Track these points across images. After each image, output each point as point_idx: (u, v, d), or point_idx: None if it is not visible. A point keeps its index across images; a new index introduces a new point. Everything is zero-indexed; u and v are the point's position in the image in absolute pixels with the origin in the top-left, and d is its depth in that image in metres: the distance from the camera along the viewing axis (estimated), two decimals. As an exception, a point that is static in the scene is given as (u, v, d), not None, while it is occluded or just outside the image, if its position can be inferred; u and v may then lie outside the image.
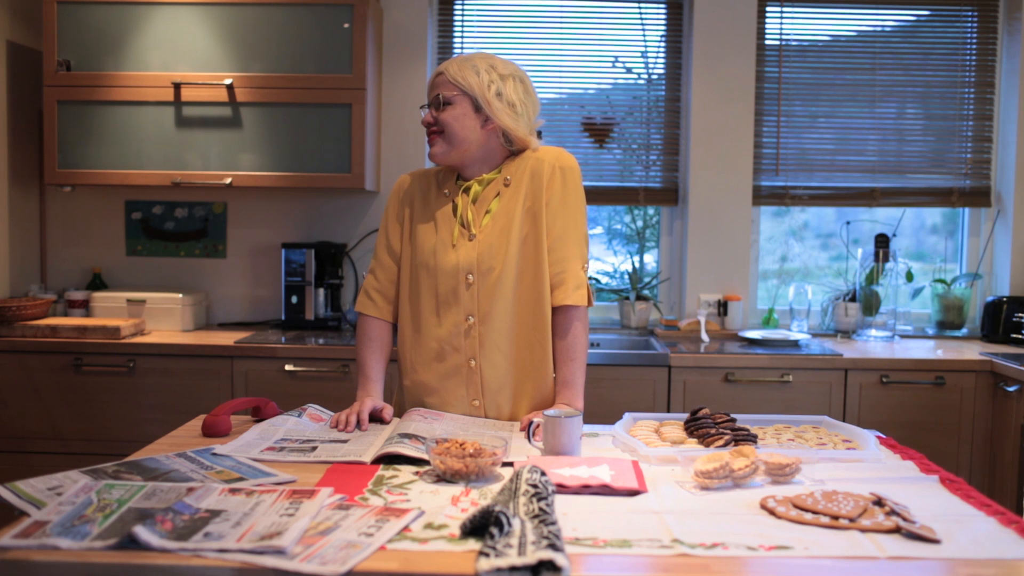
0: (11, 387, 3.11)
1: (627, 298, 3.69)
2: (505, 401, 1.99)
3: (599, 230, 4.01)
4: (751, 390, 3.09)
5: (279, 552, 1.15)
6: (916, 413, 3.08)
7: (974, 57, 3.72)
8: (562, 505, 1.39)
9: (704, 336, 3.46)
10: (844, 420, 3.04)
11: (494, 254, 1.97)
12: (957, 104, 3.74)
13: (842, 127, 3.77)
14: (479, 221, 2.00)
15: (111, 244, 3.71)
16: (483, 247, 1.98)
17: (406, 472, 1.58)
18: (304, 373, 3.10)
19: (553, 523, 1.22)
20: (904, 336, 3.63)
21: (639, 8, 3.76)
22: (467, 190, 2.02)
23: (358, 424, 1.88)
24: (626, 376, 3.08)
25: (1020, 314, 3.44)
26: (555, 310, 2.00)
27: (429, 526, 1.29)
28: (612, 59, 3.79)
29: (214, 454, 1.66)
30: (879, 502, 1.38)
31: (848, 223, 3.81)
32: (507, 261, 1.96)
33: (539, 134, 2.10)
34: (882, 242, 3.61)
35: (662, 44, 3.77)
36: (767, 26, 3.72)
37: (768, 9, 3.72)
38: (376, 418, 1.95)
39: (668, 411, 3.09)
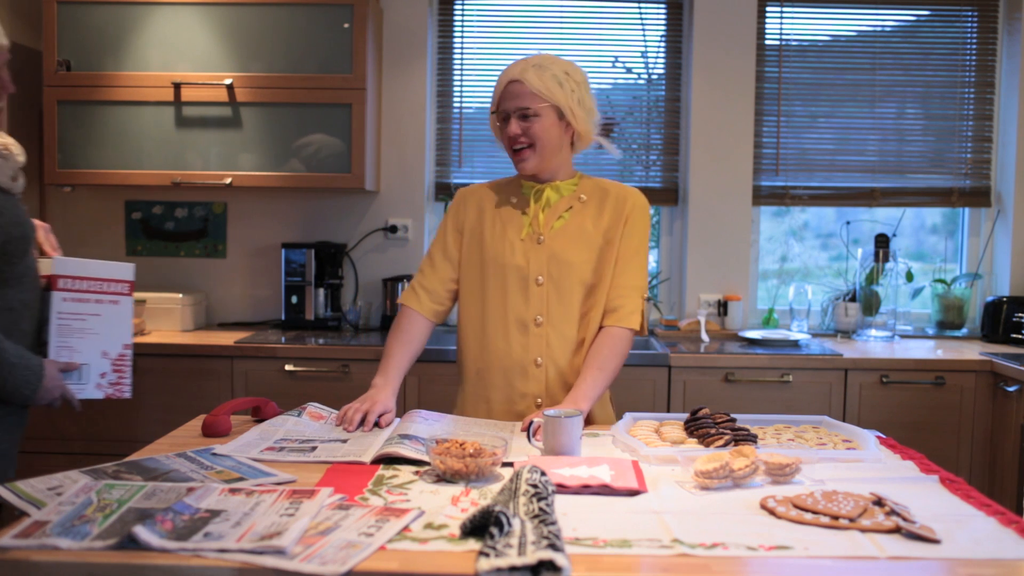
0: (11, 387, 3.11)
1: (627, 298, 3.69)
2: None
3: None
4: (751, 390, 3.09)
5: (279, 552, 1.15)
6: (916, 413, 3.08)
7: (974, 57, 3.72)
8: (562, 505, 1.39)
9: (704, 336, 3.46)
10: (844, 420, 3.04)
11: (564, 259, 2.03)
12: (957, 104, 3.74)
13: (842, 127, 3.77)
14: (550, 225, 2.06)
15: (111, 244, 3.71)
16: (554, 251, 2.04)
17: (406, 472, 1.58)
18: (304, 373, 3.10)
19: (553, 523, 1.22)
20: (904, 336, 3.63)
21: (639, 8, 3.76)
22: (537, 195, 2.08)
23: (362, 422, 1.89)
24: (626, 376, 3.07)
25: (1020, 314, 3.44)
26: (606, 328, 2.03)
27: (429, 526, 1.29)
28: (612, 59, 3.79)
29: (214, 454, 1.66)
30: (879, 502, 1.38)
31: (848, 223, 3.81)
32: (578, 269, 2.03)
33: (605, 129, 2.15)
34: (882, 242, 3.61)
35: (662, 44, 3.77)
36: (767, 26, 3.72)
37: (768, 9, 3.71)
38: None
39: (668, 411, 3.09)
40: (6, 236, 1.89)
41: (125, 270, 2.06)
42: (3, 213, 1.91)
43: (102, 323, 1.99)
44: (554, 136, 2.01)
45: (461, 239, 2.12)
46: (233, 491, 1.37)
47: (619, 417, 2.04)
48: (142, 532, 1.18)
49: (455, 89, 3.77)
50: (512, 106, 1.99)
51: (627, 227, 2.05)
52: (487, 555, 1.13)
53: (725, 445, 1.70)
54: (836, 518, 1.32)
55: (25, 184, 2.05)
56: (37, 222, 2.08)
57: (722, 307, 3.65)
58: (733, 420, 1.83)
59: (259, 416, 1.99)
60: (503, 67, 3.93)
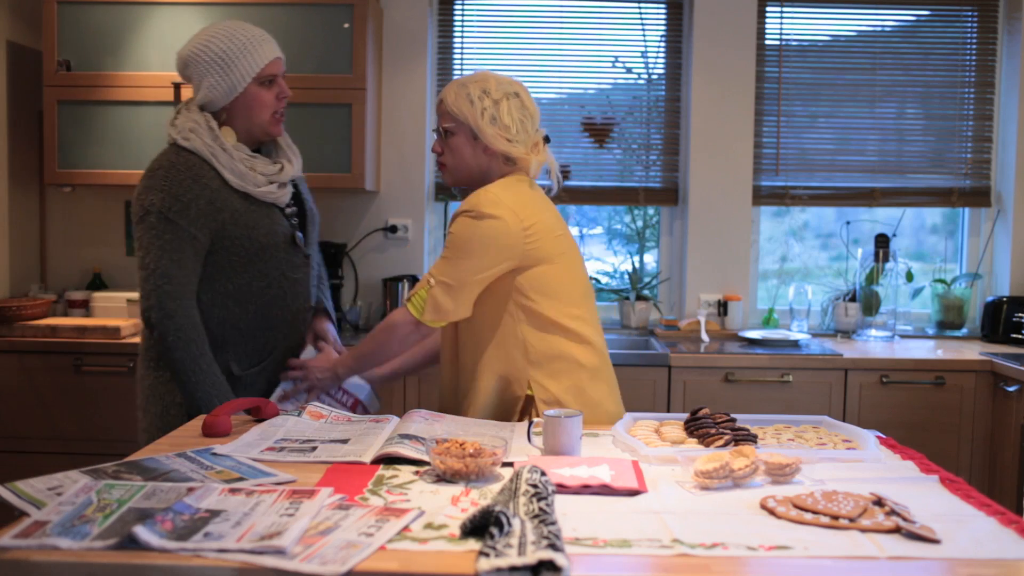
0: (11, 387, 3.11)
1: (627, 298, 3.69)
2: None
3: (599, 230, 4.01)
4: (751, 390, 3.09)
5: (279, 552, 1.15)
6: (916, 413, 3.08)
7: (974, 57, 3.72)
8: (562, 505, 1.39)
9: (704, 336, 3.46)
10: (844, 420, 3.04)
11: None
12: (957, 104, 3.74)
13: (842, 127, 3.77)
14: None
15: (111, 244, 3.71)
16: None
17: (406, 472, 1.58)
18: (304, 373, 3.10)
19: (553, 523, 1.22)
20: (904, 336, 3.63)
21: (639, 8, 3.76)
22: None
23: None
24: (626, 376, 3.07)
25: (1020, 314, 3.44)
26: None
27: (429, 526, 1.29)
28: (612, 59, 3.79)
29: (214, 454, 1.65)
30: (879, 502, 1.38)
31: (848, 223, 3.81)
32: None
33: (547, 138, 2.13)
34: (882, 242, 3.61)
35: (662, 44, 3.77)
36: (767, 26, 3.72)
37: (768, 9, 3.71)
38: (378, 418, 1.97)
39: (668, 411, 3.09)
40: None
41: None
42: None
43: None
44: (466, 154, 2.04)
45: None
46: (233, 491, 1.37)
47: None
48: (142, 532, 1.18)
49: (455, 89, 3.77)
50: (437, 123, 2.09)
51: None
52: (487, 555, 1.13)
53: (725, 445, 1.70)
54: (836, 518, 1.32)
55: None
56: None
57: (722, 307, 3.65)
58: (733, 420, 1.83)
59: (259, 416, 1.98)
60: (503, 67, 3.96)
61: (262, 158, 2.16)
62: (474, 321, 2.02)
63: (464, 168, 2.06)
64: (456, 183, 2.10)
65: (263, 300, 2.16)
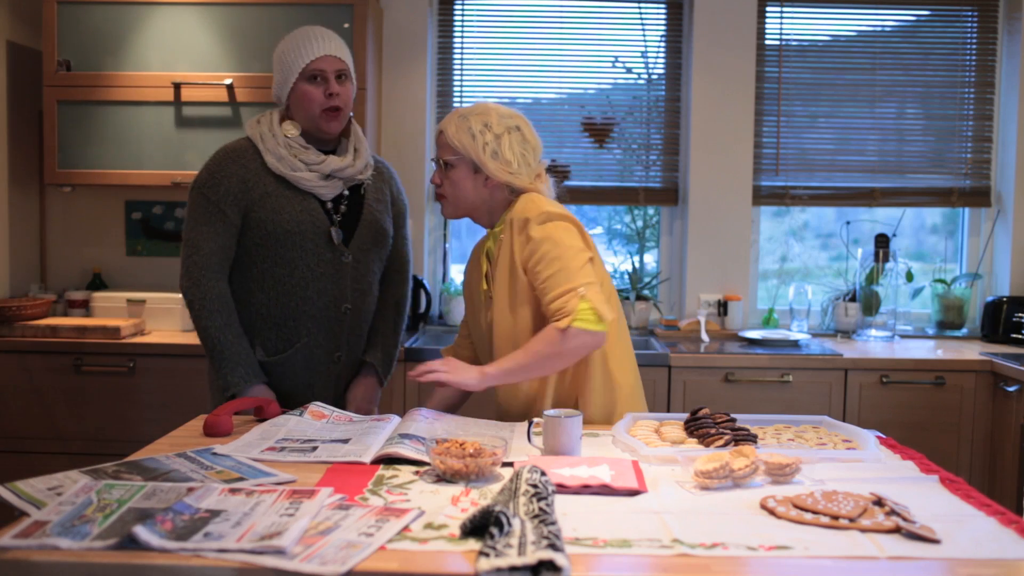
0: (11, 387, 3.11)
1: (627, 298, 3.69)
2: None
3: (599, 230, 4.01)
4: (751, 390, 3.09)
5: (279, 552, 1.15)
6: (916, 413, 3.08)
7: (974, 57, 3.72)
8: (562, 505, 1.39)
9: (704, 336, 3.46)
10: (844, 420, 3.04)
11: (503, 316, 2.02)
12: (957, 104, 3.74)
13: (842, 127, 3.77)
14: (493, 278, 2.06)
15: (111, 244, 3.70)
16: (497, 307, 2.04)
17: (406, 472, 1.58)
18: (304, 373, 3.10)
19: (553, 523, 1.22)
20: (904, 336, 3.63)
21: (639, 8, 3.76)
22: (488, 252, 2.10)
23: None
24: (626, 376, 3.08)
25: (1020, 314, 3.44)
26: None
27: (429, 526, 1.29)
28: (612, 59, 3.79)
29: (214, 454, 1.66)
30: (879, 502, 1.38)
31: (848, 223, 3.81)
32: (511, 317, 2.01)
33: (550, 167, 2.16)
34: (882, 242, 3.61)
35: (662, 44, 3.77)
36: (767, 26, 3.72)
37: (768, 9, 3.71)
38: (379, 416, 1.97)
39: (668, 411, 3.09)
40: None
41: None
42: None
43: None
44: (467, 187, 2.02)
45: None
46: (233, 491, 1.37)
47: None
48: (142, 532, 1.18)
49: (455, 89, 3.77)
50: (435, 155, 2.07)
51: (526, 245, 1.95)
52: (487, 555, 1.13)
53: (725, 445, 1.70)
54: (836, 518, 1.32)
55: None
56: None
57: (722, 307, 3.65)
58: (733, 420, 1.83)
59: (261, 416, 1.99)
60: (503, 67, 3.96)
61: (314, 150, 2.20)
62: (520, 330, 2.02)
63: (464, 200, 2.05)
64: (455, 215, 2.09)
65: (284, 288, 2.19)
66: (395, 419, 1.96)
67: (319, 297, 2.20)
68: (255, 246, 2.18)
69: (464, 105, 3.72)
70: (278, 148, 2.17)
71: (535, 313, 1.98)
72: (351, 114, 2.27)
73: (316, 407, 2.02)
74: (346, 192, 2.25)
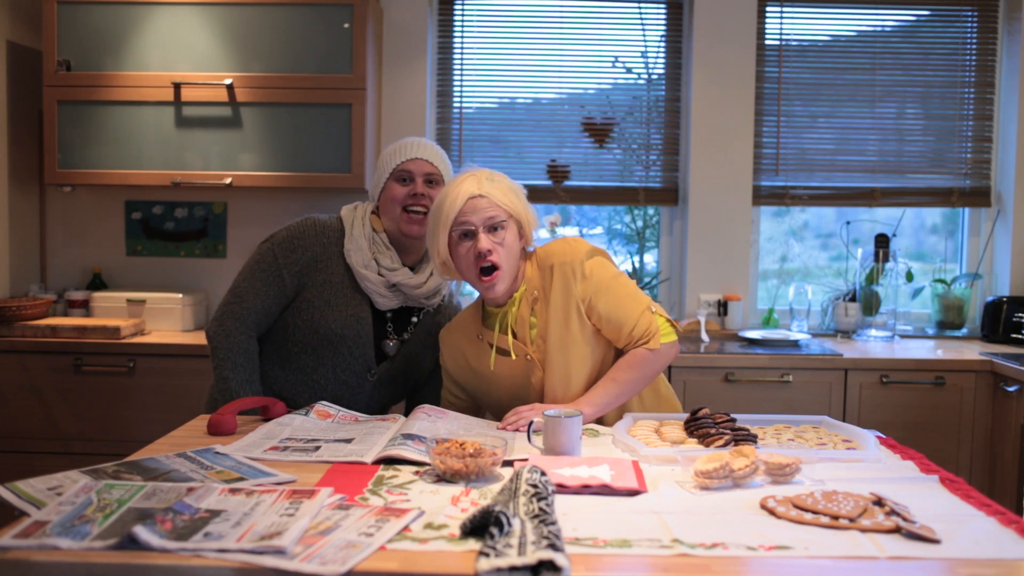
0: (11, 387, 3.11)
1: (627, 298, 3.69)
2: None
3: (599, 230, 4.01)
4: (751, 390, 3.09)
5: (279, 552, 1.15)
6: (916, 413, 3.08)
7: (974, 57, 3.72)
8: (562, 505, 1.39)
9: (704, 336, 3.46)
10: (844, 420, 3.04)
11: (558, 366, 1.96)
12: (957, 104, 3.74)
13: (842, 127, 3.77)
14: (529, 339, 1.97)
15: (111, 244, 3.70)
16: (555, 362, 1.96)
17: (406, 472, 1.58)
18: (304, 373, 3.10)
19: (553, 523, 1.22)
20: (904, 336, 3.63)
21: (639, 8, 3.76)
22: (501, 320, 1.99)
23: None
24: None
25: (1020, 314, 3.44)
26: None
27: (429, 526, 1.29)
28: (612, 59, 3.79)
29: (215, 453, 1.65)
30: (879, 502, 1.38)
31: (848, 223, 3.81)
32: (581, 359, 1.97)
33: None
34: (882, 242, 3.61)
35: (662, 44, 3.77)
36: (767, 26, 3.72)
37: (768, 9, 3.71)
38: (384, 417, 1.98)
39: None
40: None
41: None
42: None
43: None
44: (516, 251, 1.94)
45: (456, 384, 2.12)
46: (233, 491, 1.37)
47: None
48: (142, 532, 1.18)
49: (455, 89, 3.77)
50: (479, 219, 1.88)
51: (582, 283, 1.94)
52: (487, 555, 1.13)
53: (725, 445, 1.70)
54: (836, 518, 1.32)
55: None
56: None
57: (722, 307, 3.65)
58: (733, 420, 1.83)
59: (267, 415, 1.98)
60: (503, 67, 3.96)
61: (394, 254, 2.16)
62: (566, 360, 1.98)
63: (514, 269, 1.93)
64: (505, 288, 1.93)
65: (304, 376, 2.17)
66: (400, 419, 1.96)
67: (336, 400, 2.16)
68: (294, 327, 2.14)
69: (466, 102, 3.76)
70: (361, 239, 2.14)
71: (593, 351, 1.97)
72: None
73: (322, 406, 2.02)
74: (397, 308, 2.19)
